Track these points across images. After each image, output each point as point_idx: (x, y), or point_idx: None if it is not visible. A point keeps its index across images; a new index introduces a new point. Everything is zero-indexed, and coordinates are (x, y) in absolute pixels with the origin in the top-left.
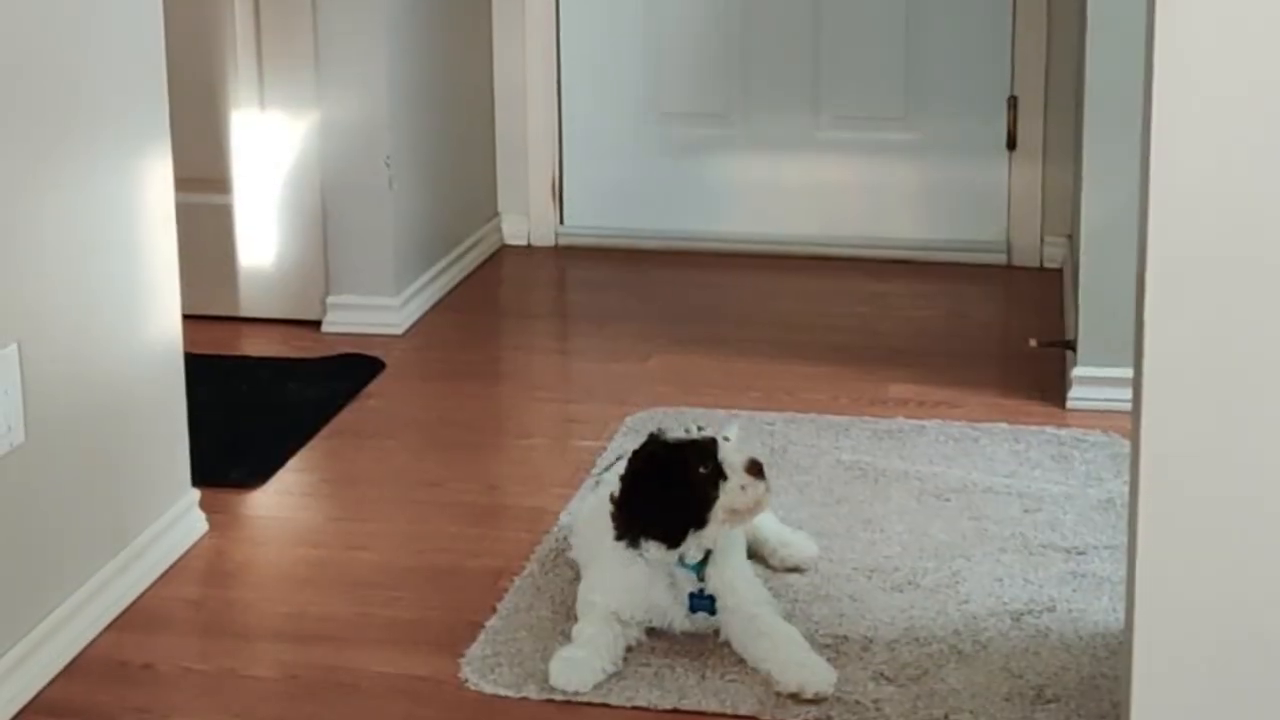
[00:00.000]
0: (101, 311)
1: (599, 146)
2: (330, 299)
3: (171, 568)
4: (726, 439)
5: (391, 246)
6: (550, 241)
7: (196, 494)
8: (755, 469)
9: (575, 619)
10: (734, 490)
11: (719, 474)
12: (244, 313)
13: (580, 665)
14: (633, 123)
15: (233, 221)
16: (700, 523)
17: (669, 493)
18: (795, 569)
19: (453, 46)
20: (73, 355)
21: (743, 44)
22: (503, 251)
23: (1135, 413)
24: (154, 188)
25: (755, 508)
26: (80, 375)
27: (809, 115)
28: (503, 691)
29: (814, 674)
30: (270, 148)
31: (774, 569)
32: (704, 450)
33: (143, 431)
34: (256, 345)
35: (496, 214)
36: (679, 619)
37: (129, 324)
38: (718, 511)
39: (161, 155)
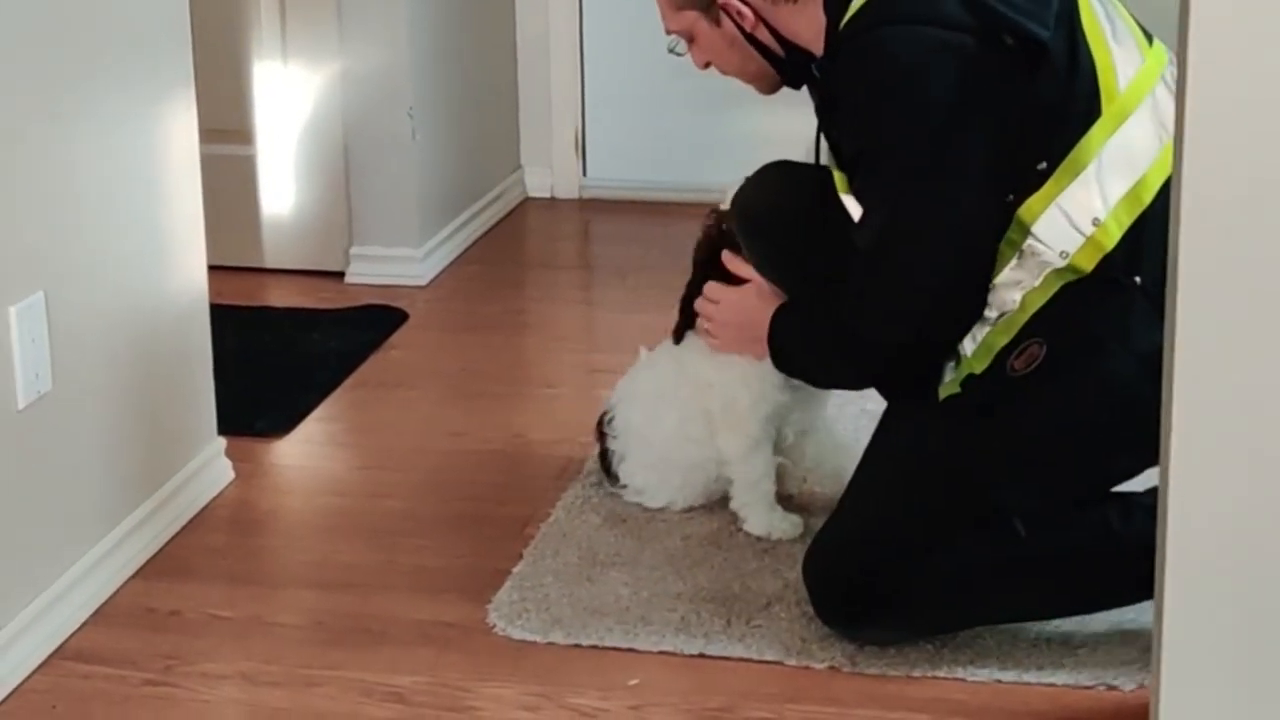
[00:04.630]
0: (128, 260)
1: (622, 98)
2: (353, 250)
3: (198, 515)
4: None
5: (415, 198)
6: (574, 194)
7: (223, 442)
8: None
9: (601, 565)
10: None
11: None
12: (267, 264)
13: (781, 516)
14: (656, 73)
15: (256, 173)
16: None
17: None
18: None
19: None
20: (99, 304)
21: None
22: (526, 204)
23: (1168, 361)
24: (179, 137)
25: None
26: (107, 324)
27: None
28: (530, 637)
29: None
30: (293, 99)
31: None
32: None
33: (169, 380)
34: (280, 296)
35: (519, 166)
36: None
37: (155, 272)
38: None
39: (186, 104)
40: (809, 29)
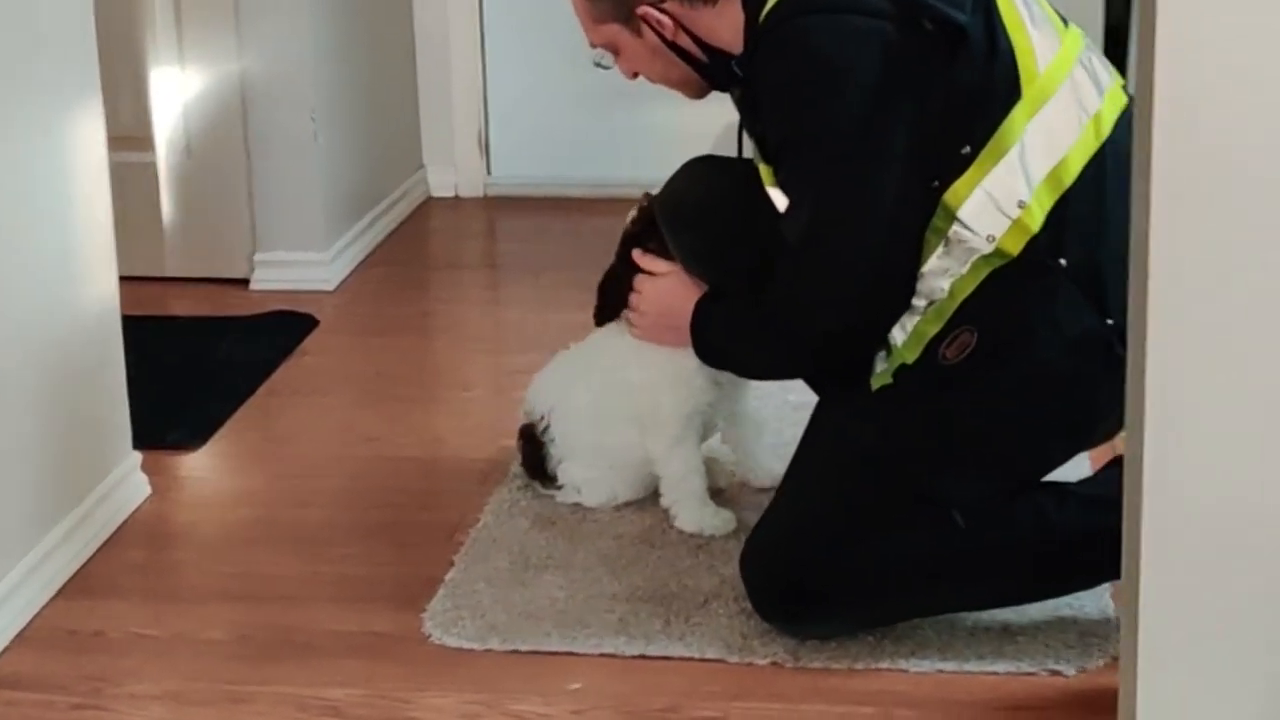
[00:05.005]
0: (37, 272)
1: (527, 93)
2: (258, 256)
3: (116, 533)
4: None
5: (320, 201)
6: (478, 192)
7: (138, 456)
8: None
9: (535, 569)
10: None
11: None
12: (168, 273)
13: (712, 512)
14: (561, 67)
15: (156, 180)
16: None
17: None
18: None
19: None
20: (11, 318)
21: None
22: (429, 204)
23: (1134, 339)
24: (87, 145)
25: None
26: (19, 338)
27: None
28: (466, 644)
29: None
30: (191, 103)
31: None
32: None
33: (83, 394)
34: (184, 305)
35: (421, 166)
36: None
37: (66, 285)
38: None
39: (94, 113)
40: (729, 29)
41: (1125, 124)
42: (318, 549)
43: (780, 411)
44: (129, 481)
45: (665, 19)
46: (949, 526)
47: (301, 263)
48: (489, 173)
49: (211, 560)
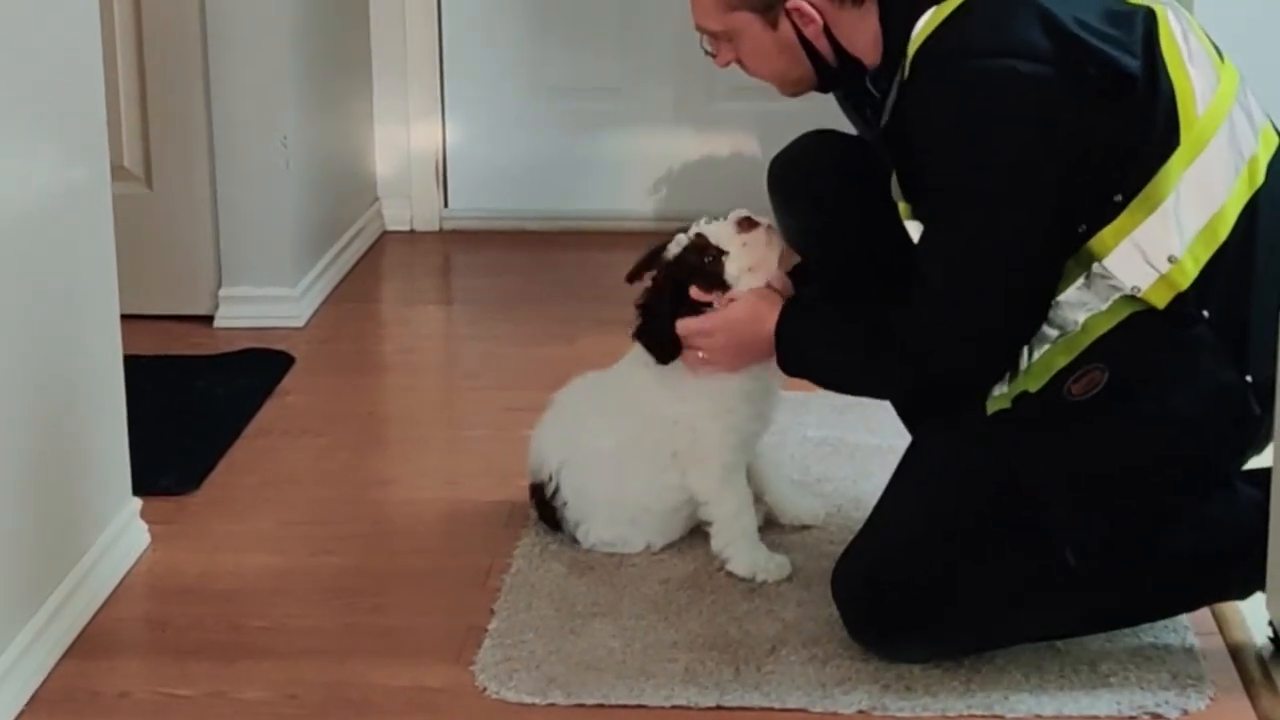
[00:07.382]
0: (39, 307)
1: (484, 124)
2: (223, 292)
3: (120, 585)
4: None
5: (289, 233)
6: (434, 226)
7: (138, 503)
8: (744, 222)
9: (581, 617)
10: (737, 253)
11: (718, 252)
12: (126, 309)
13: (766, 556)
14: (519, 98)
15: (115, 210)
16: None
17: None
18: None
19: (328, 16)
20: (7, 364)
21: (631, 13)
22: (385, 238)
23: None
24: (90, 181)
25: (767, 250)
26: (17, 385)
27: (704, 87)
28: (528, 699)
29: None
30: (153, 128)
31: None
32: (697, 248)
33: (83, 438)
34: (145, 343)
35: (376, 199)
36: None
37: (67, 319)
38: (735, 273)
39: (98, 147)
40: (864, 38)
41: (1278, 167)
42: (350, 599)
43: (803, 448)
44: (130, 531)
45: (814, 14)
46: (1054, 556)
47: (269, 298)
48: (446, 206)
49: (235, 613)
